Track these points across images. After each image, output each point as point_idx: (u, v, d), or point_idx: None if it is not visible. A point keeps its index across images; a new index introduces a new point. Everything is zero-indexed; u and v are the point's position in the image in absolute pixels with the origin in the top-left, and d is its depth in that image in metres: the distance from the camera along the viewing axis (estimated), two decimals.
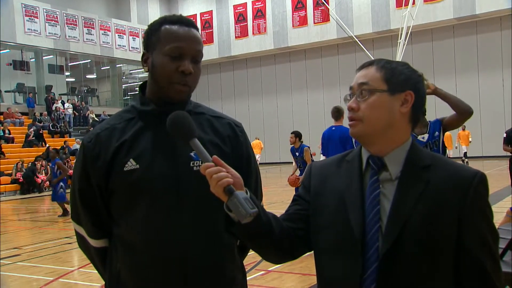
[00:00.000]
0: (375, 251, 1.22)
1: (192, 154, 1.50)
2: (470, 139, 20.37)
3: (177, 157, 1.49)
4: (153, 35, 1.53)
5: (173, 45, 1.47)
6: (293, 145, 8.23)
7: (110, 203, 1.52)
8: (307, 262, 5.43)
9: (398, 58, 19.10)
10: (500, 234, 1.65)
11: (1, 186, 17.91)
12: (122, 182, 1.47)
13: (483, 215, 1.24)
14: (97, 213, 1.55)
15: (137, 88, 1.72)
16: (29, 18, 23.37)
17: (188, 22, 1.54)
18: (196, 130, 1.33)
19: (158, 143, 1.50)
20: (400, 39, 19.88)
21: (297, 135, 8.22)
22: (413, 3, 20.37)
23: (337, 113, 6.56)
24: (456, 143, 20.18)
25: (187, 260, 1.45)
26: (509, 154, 9.20)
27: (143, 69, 1.60)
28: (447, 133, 20.12)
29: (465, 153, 20.42)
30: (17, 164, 18.37)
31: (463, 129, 19.83)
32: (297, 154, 8.14)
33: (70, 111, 24.62)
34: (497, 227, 1.27)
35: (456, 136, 19.96)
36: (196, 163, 1.50)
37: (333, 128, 6.62)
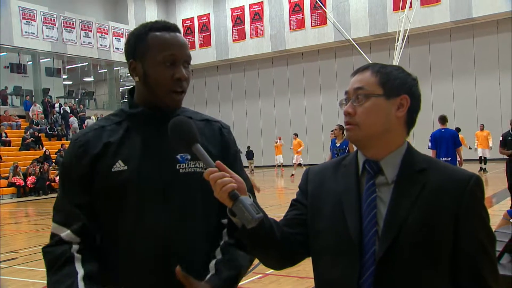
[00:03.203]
0: (372, 254, 1.22)
1: (178, 156, 1.51)
2: (490, 142, 17.36)
3: (164, 159, 1.51)
4: (140, 43, 1.52)
5: (167, 53, 1.48)
6: (335, 137, 9.37)
7: (97, 203, 1.51)
8: (304, 265, 5.41)
9: (395, 61, 19.13)
10: (497, 237, 1.66)
11: None
12: (109, 183, 1.48)
13: (479, 218, 1.24)
14: (82, 210, 1.51)
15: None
16: (26, 21, 23.34)
17: (174, 27, 1.55)
18: (198, 136, 1.35)
19: (146, 145, 1.52)
20: (397, 42, 19.92)
21: (342, 128, 9.36)
22: (410, 6, 20.43)
23: (443, 119, 8.80)
24: (474, 145, 17.78)
25: (173, 259, 1.46)
26: (505, 157, 9.23)
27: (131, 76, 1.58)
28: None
29: (481, 157, 17.61)
30: (15, 167, 18.31)
31: (481, 129, 17.93)
32: (337, 145, 9.16)
33: (76, 122, 24.50)
34: (494, 230, 1.28)
35: (474, 136, 18.16)
36: (183, 165, 1.51)
37: (443, 130, 8.68)
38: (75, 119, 24.24)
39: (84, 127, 23.48)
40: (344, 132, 8.71)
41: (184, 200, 1.50)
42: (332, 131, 9.86)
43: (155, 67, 1.49)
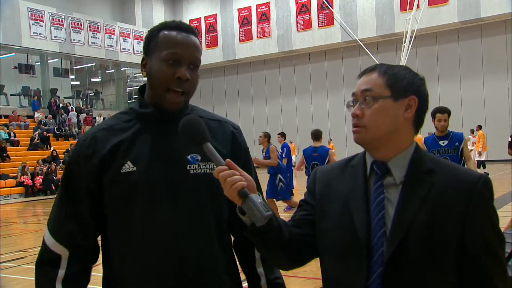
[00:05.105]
0: (380, 255, 1.22)
1: (189, 157, 1.49)
2: (480, 145, 16.72)
3: (174, 160, 1.49)
4: (152, 41, 1.52)
5: (170, 51, 1.47)
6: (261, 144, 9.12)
7: (105, 204, 1.50)
8: (311, 266, 5.40)
9: (403, 61, 19.07)
10: (506, 239, 1.64)
11: (6, 189, 17.98)
12: (118, 184, 1.46)
13: (488, 219, 1.23)
14: (79, 217, 1.51)
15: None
16: (35, 22, 23.49)
17: (187, 28, 1.54)
18: (208, 134, 1.35)
19: (156, 146, 1.50)
20: (405, 42, 19.86)
21: (267, 135, 9.20)
22: (418, 6, 20.36)
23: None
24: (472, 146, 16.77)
25: (182, 260, 1.46)
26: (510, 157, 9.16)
27: (141, 74, 1.59)
28: None
29: (479, 161, 16.61)
30: (23, 167, 18.43)
31: (477, 130, 17.40)
32: (263, 154, 9.06)
33: (75, 117, 24.72)
34: (502, 231, 1.27)
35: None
36: (193, 166, 1.49)
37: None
38: (75, 113, 24.46)
39: (82, 122, 23.75)
40: (270, 140, 8.40)
41: (194, 201, 1.48)
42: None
43: (159, 63, 1.48)
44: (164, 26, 1.54)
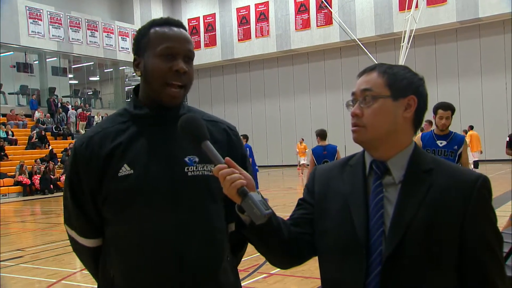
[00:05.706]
0: (379, 254, 1.22)
1: (186, 159, 1.49)
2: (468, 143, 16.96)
3: (172, 162, 1.49)
4: (143, 39, 1.53)
5: (165, 45, 1.48)
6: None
7: (104, 207, 1.51)
8: (309, 265, 5.40)
9: (401, 61, 19.07)
10: (503, 238, 1.64)
11: (4, 188, 17.95)
12: (116, 187, 1.46)
13: (487, 219, 1.24)
14: (89, 216, 1.54)
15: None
16: (33, 21, 23.45)
17: (176, 22, 1.55)
18: (208, 133, 1.35)
19: (152, 148, 1.49)
20: (403, 42, 19.85)
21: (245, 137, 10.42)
22: (416, 6, 20.36)
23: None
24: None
25: (181, 263, 1.45)
26: (510, 157, 9.18)
27: (135, 74, 1.59)
28: None
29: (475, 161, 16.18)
30: (21, 166, 18.39)
31: (469, 130, 17.25)
32: None
33: (73, 115, 24.71)
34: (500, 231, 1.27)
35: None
36: (191, 168, 1.49)
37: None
38: (73, 112, 24.46)
39: (79, 119, 23.79)
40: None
41: (192, 203, 1.48)
42: None
43: (153, 59, 1.48)
44: (153, 23, 1.55)
